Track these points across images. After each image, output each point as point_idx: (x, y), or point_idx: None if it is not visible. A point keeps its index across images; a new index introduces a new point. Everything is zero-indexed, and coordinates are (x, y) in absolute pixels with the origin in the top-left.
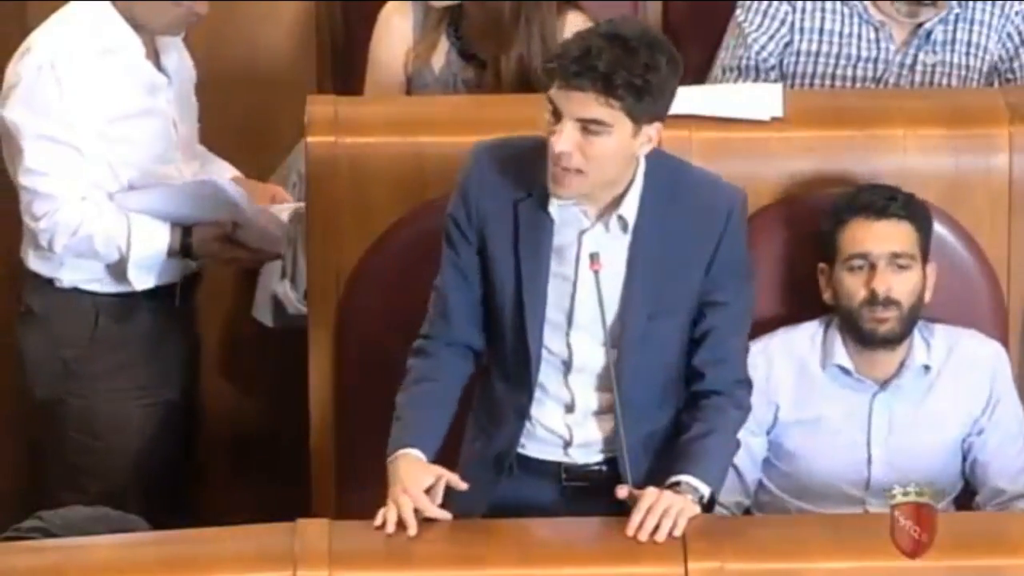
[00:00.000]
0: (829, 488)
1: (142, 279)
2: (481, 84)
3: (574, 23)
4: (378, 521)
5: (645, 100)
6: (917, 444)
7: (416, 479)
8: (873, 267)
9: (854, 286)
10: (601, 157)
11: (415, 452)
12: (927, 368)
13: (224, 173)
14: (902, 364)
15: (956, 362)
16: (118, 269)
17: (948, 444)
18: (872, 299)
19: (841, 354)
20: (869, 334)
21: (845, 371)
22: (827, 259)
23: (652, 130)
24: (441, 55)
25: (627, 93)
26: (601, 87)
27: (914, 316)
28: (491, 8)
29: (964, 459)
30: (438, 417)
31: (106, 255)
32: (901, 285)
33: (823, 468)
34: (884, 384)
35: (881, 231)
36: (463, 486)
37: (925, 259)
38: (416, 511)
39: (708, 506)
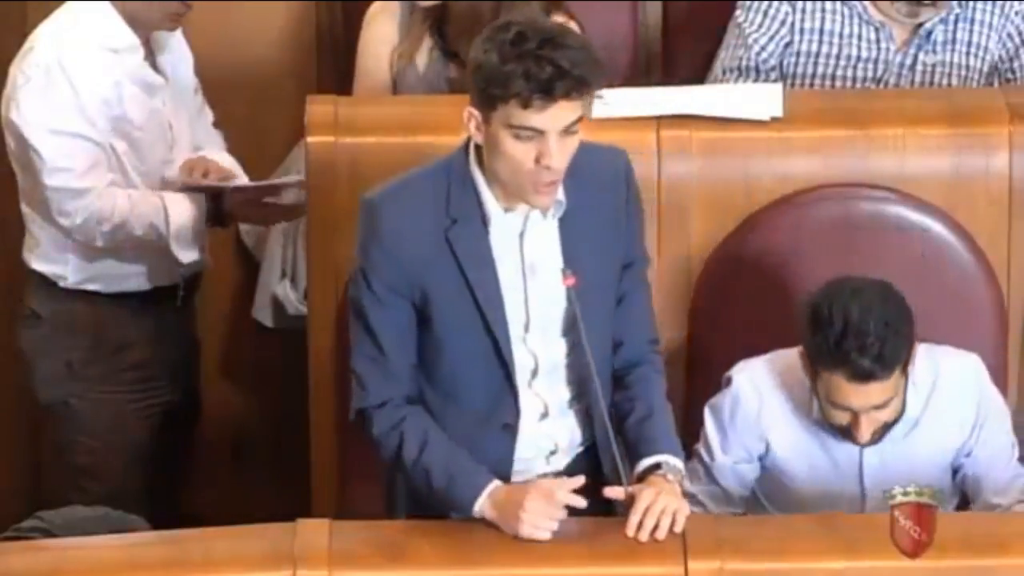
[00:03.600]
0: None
1: (186, 253)
2: (464, 82)
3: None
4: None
5: (600, 79)
6: (910, 472)
7: (541, 489)
8: (856, 413)
9: (836, 416)
10: (572, 151)
11: (497, 483)
12: (915, 417)
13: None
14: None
15: (940, 394)
16: (159, 248)
17: (940, 468)
18: (852, 436)
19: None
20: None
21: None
22: (804, 354)
23: None
24: (425, 54)
25: (595, 81)
26: (582, 88)
27: (896, 421)
28: (473, 7)
29: (954, 475)
30: (467, 452)
31: (146, 236)
32: (882, 417)
33: (817, 500)
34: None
35: (864, 392)
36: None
37: (907, 369)
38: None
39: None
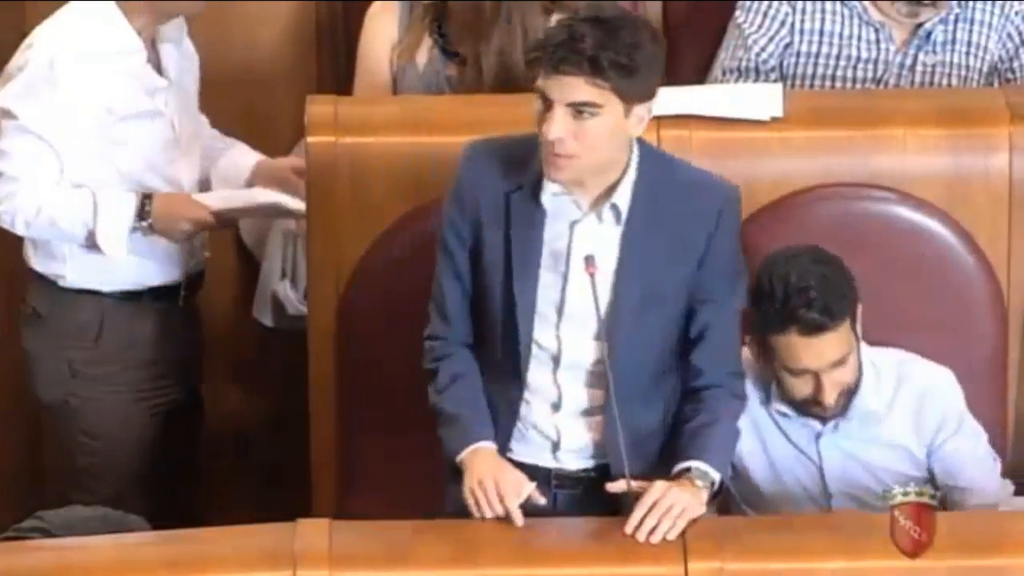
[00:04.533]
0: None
1: (112, 245)
2: (464, 81)
3: None
4: (484, 513)
5: (633, 78)
6: (873, 474)
7: (514, 478)
8: (817, 375)
9: (798, 387)
10: (594, 139)
11: (489, 445)
12: (877, 413)
13: (245, 157)
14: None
15: (904, 398)
16: (89, 243)
17: (902, 468)
18: (819, 402)
19: (780, 400)
20: (815, 416)
21: (786, 415)
22: (755, 337)
23: (643, 110)
24: (425, 53)
25: (614, 73)
26: (589, 69)
27: (857, 385)
28: (473, 6)
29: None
30: (487, 409)
31: (75, 232)
32: (843, 377)
33: (782, 500)
34: (831, 422)
35: (818, 347)
36: (542, 501)
37: (855, 327)
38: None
39: (716, 492)
